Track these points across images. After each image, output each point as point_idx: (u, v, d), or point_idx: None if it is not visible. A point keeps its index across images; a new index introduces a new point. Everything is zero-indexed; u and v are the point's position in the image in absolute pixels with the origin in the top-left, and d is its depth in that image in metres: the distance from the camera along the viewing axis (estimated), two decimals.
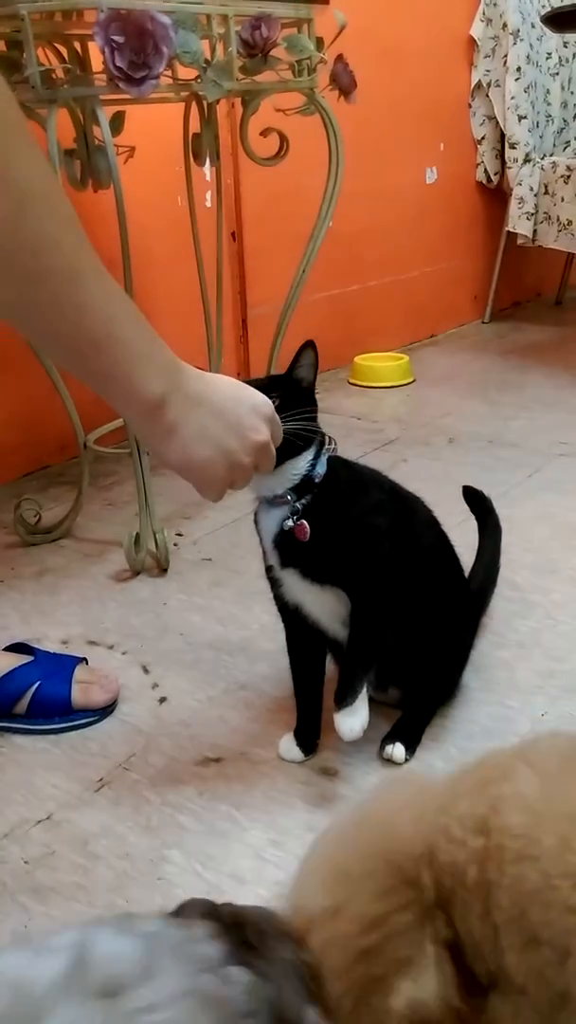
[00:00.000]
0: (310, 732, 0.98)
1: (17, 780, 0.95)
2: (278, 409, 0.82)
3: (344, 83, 1.54)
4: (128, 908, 0.79)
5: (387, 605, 0.92)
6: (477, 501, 1.16)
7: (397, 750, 0.95)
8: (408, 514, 0.97)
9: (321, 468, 0.89)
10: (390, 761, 0.95)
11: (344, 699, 0.89)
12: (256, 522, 0.93)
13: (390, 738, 0.96)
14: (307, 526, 0.88)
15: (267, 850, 0.85)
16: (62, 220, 0.62)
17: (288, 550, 0.90)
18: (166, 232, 1.85)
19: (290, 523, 0.88)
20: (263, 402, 0.77)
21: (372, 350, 2.46)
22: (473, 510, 1.16)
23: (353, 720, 0.88)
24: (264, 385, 0.85)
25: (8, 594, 1.34)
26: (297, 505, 0.88)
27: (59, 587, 1.36)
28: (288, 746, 0.97)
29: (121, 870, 0.83)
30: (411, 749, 0.96)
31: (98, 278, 0.64)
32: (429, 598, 0.97)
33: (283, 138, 1.58)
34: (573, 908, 0.45)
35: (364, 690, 0.90)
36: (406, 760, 0.95)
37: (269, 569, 0.94)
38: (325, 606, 0.92)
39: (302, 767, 0.96)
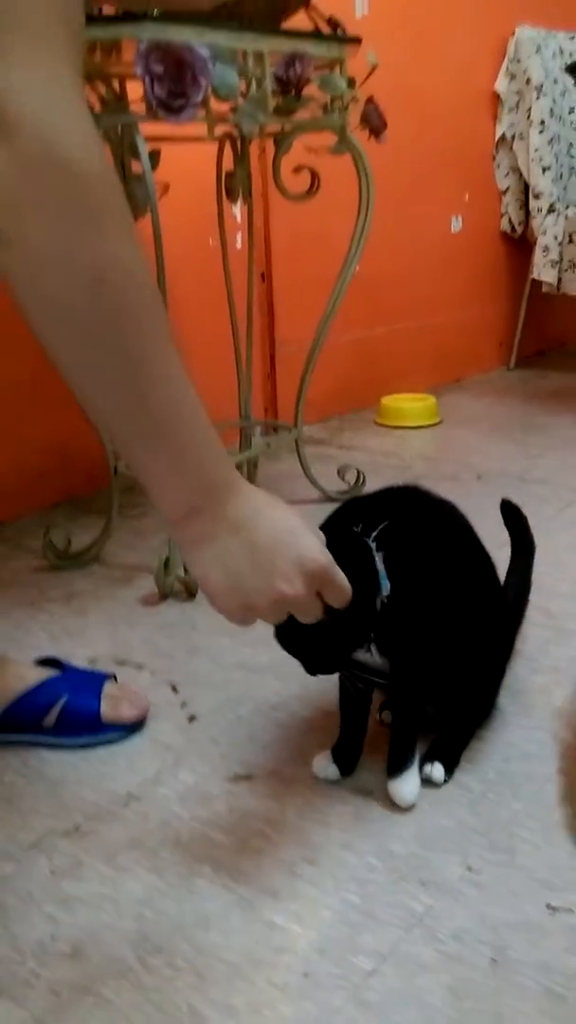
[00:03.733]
0: (350, 753, 0.94)
1: (44, 792, 0.93)
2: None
3: (374, 123, 1.57)
4: (157, 922, 0.76)
5: (429, 679, 0.92)
6: (513, 518, 1.14)
7: (436, 770, 0.92)
8: (458, 562, 0.94)
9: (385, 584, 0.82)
10: (428, 781, 0.92)
11: (398, 768, 0.89)
12: None
13: (429, 758, 0.93)
14: None
15: (300, 866, 0.82)
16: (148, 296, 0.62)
17: None
18: (197, 271, 1.88)
19: None
20: (312, 557, 0.69)
21: (398, 392, 2.47)
22: (508, 526, 1.15)
23: (408, 788, 0.89)
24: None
25: (37, 616, 1.33)
26: None
27: (88, 609, 1.34)
28: (323, 764, 0.94)
29: (150, 883, 0.80)
30: (450, 770, 0.93)
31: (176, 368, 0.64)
32: (471, 632, 0.94)
33: (315, 175, 1.62)
34: None
35: (415, 755, 0.90)
36: (445, 781, 0.92)
37: None
38: (368, 661, 0.89)
39: (336, 786, 0.93)
